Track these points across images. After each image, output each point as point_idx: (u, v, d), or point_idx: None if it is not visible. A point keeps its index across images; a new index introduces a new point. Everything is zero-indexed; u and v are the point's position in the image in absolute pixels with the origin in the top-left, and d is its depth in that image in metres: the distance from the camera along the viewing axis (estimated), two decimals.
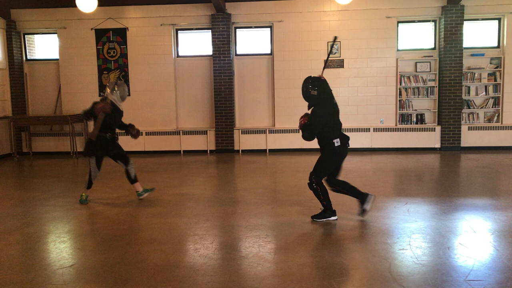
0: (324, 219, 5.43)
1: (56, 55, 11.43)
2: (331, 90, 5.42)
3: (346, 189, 5.50)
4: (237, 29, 11.12)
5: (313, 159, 9.89)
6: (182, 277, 3.89)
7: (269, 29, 11.04)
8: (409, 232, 4.95)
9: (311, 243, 4.72)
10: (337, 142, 5.27)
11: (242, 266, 4.09)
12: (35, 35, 11.72)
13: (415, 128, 10.84)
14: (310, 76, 5.34)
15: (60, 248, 4.76)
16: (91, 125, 7.21)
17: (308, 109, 5.38)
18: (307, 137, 5.27)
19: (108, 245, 4.78)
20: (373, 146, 10.89)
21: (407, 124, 10.90)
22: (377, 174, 8.43)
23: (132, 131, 6.52)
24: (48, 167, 9.94)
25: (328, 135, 5.27)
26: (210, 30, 10.93)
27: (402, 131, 10.86)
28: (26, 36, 11.57)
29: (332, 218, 5.44)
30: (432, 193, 6.91)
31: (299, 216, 5.67)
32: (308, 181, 5.38)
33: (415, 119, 10.90)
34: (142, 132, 6.29)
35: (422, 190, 7.12)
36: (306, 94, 5.28)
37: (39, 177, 9.07)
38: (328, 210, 5.43)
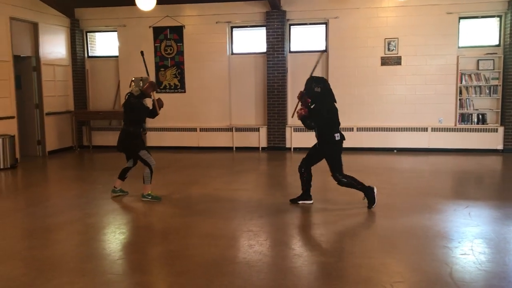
0: (375, 198, 5.77)
1: (115, 52, 11.80)
2: (331, 89, 5.86)
3: (306, 180, 6.01)
4: (291, 26, 11.06)
5: (365, 158, 9.80)
6: (237, 272, 3.91)
7: (324, 25, 10.91)
8: (471, 236, 4.75)
9: (367, 244, 4.62)
10: (337, 136, 5.76)
11: (297, 265, 4.07)
12: (96, 33, 12.17)
13: (476, 129, 10.38)
14: (313, 76, 5.93)
15: (119, 239, 4.92)
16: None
17: (311, 105, 5.82)
18: (309, 125, 5.83)
19: (164, 238, 4.89)
20: (431, 147, 10.52)
21: (467, 124, 10.45)
22: (434, 175, 8.15)
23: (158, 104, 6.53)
24: (107, 160, 10.31)
25: (331, 128, 5.74)
26: (265, 27, 10.93)
27: (462, 131, 10.43)
28: (88, 34, 12.03)
29: (375, 191, 5.81)
30: (494, 196, 6.60)
31: (353, 217, 5.57)
32: (336, 181, 5.81)
33: (476, 119, 10.43)
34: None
35: (484, 193, 6.81)
36: (310, 91, 5.74)
37: (99, 169, 9.44)
38: (368, 191, 5.79)
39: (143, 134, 6.56)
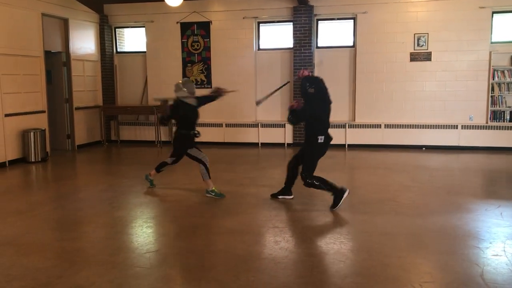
0: (341, 202, 5.61)
1: (143, 48, 11.92)
2: (327, 89, 5.70)
3: (289, 178, 6.04)
4: (319, 21, 10.95)
5: (393, 155, 9.65)
6: (263, 268, 3.90)
7: (352, 20, 10.77)
8: (503, 237, 4.62)
9: (395, 243, 4.54)
10: (321, 139, 5.60)
11: (323, 262, 4.04)
12: (124, 29, 12.31)
13: (508, 126, 10.09)
14: (309, 76, 5.76)
15: (147, 233, 4.97)
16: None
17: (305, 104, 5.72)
18: (291, 120, 5.78)
19: (191, 233, 4.92)
20: (461, 144, 10.29)
21: (499, 121, 10.17)
22: (465, 174, 7.97)
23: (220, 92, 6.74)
24: (134, 155, 10.44)
25: (315, 130, 5.63)
26: (292, 23, 10.85)
27: (494, 129, 10.16)
28: (116, 29, 12.18)
29: (346, 194, 5.65)
30: None
31: (381, 214, 5.49)
32: (303, 182, 5.70)
33: (508, 117, 10.14)
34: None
35: None
36: (303, 91, 5.66)
37: (126, 164, 9.56)
38: (337, 192, 5.63)
39: (196, 137, 6.50)
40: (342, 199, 5.64)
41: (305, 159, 5.75)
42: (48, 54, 10.17)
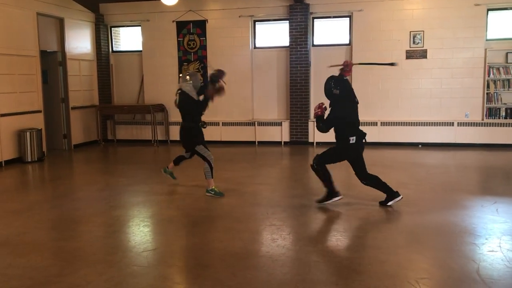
0: (329, 201, 5.69)
1: (139, 47, 11.90)
2: (353, 89, 5.70)
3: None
4: (315, 19, 10.96)
5: (392, 153, 9.67)
6: (260, 266, 3.91)
7: (348, 18, 10.78)
8: (498, 233, 4.64)
9: (392, 240, 4.56)
10: (352, 139, 5.53)
11: (320, 259, 4.05)
12: (120, 28, 12.29)
13: (504, 123, 10.13)
14: (333, 76, 5.62)
15: (144, 232, 4.98)
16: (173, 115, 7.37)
17: (329, 106, 5.64)
18: (322, 128, 5.64)
19: (189, 231, 4.93)
20: (457, 141, 10.32)
21: (495, 118, 10.20)
22: (461, 170, 8.00)
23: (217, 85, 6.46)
24: (131, 154, 10.43)
25: (345, 131, 5.55)
26: (288, 21, 10.86)
27: (489, 126, 10.20)
28: (112, 29, 12.16)
29: (336, 198, 5.71)
30: None
31: (378, 212, 5.51)
32: (311, 164, 5.72)
33: (504, 114, 10.17)
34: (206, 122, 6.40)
35: None
36: (328, 92, 5.58)
37: (123, 163, 9.54)
38: (331, 193, 5.69)
39: (202, 128, 6.51)
40: (332, 200, 5.72)
41: (329, 150, 5.70)
42: (43, 54, 10.14)
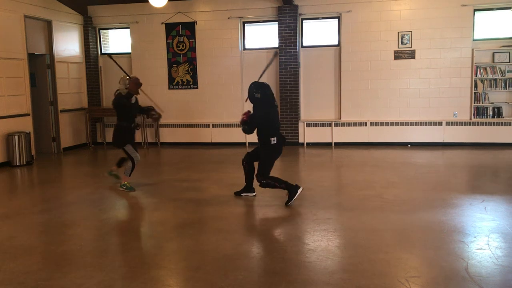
0: (295, 197, 5.79)
1: (128, 49, 11.86)
2: (273, 94, 6.10)
3: (248, 173, 6.20)
4: (304, 21, 11.00)
5: (381, 153, 9.73)
6: (251, 267, 3.92)
7: (337, 20, 10.83)
8: (487, 231, 4.70)
9: (382, 239, 4.59)
10: (273, 140, 5.87)
11: (311, 259, 4.06)
12: (109, 30, 12.24)
13: (491, 122, 10.25)
14: (254, 82, 6.08)
15: (135, 235, 4.96)
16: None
17: (253, 109, 6.04)
18: (246, 130, 6.01)
19: (179, 233, 4.92)
20: (446, 141, 10.42)
21: (482, 117, 10.32)
22: (450, 169, 8.08)
23: (151, 113, 6.99)
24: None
25: (266, 133, 5.89)
26: (277, 22, 10.89)
27: (477, 125, 10.30)
28: (101, 31, 12.10)
29: (299, 190, 5.84)
30: (510, 190, 6.50)
31: (368, 211, 5.54)
32: (258, 183, 5.89)
33: (491, 113, 10.30)
34: (161, 117, 6.86)
35: (500, 188, 6.73)
36: (251, 97, 5.98)
37: (113, 166, 9.48)
38: (291, 189, 5.81)
39: (135, 129, 6.92)
40: (296, 195, 5.83)
41: (261, 162, 5.97)
42: (31, 57, 10.07)
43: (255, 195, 6.29)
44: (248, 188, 6.32)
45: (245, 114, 6.07)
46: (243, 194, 6.34)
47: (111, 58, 7.58)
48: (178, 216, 5.60)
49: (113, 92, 7.19)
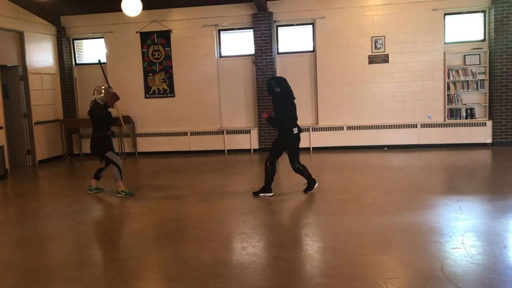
0: (313, 190, 6.58)
1: (103, 59, 11.74)
2: (290, 87, 6.52)
3: (270, 173, 6.58)
4: (278, 27, 11.09)
5: (356, 156, 9.84)
6: (231, 275, 3.91)
7: (311, 26, 10.95)
8: (462, 230, 4.79)
9: (360, 241, 4.64)
10: (295, 130, 6.44)
11: (290, 265, 4.08)
12: (83, 40, 12.12)
13: (465, 123, 10.47)
14: (273, 76, 6.63)
15: (113, 246, 4.90)
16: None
17: (272, 103, 6.66)
18: (276, 125, 6.46)
19: (159, 244, 4.88)
20: (421, 143, 10.59)
21: (456, 119, 10.54)
22: (426, 171, 8.21)
23: (118, 122, 7.33)
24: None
25: (289, 125, 6.42)
26: (252, 30, 10.94)
27: (451, 126, 10.51)
28: (75, 41, 11.97)
29: (316, 185, 6.64)
30: (485, 190, 6.65)
31: (347, 214, 5.59)
32: (293, 168, 6.56)
33: (464, 114, 10.52)
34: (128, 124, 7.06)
35: (474, 187, 6.87)
36: (270, 90, 6.44)
37: (90, 177, 9.32)
38: (311, 181, 6.61)
39: (112, 137, 7.11)
40: (315, 186, 6.60)
41: (291, 151, 6.52)
42: (3, 68, 9.91)
43: (272, 195, 6.58)
44: (267, 188, 6.60)
45: (266, 112, 6.54)
46: (261, 195, 6.59)
47: (101, 66, 7.74)
48: (157, 226, 5.56)
49: (89, 103, 7.15)
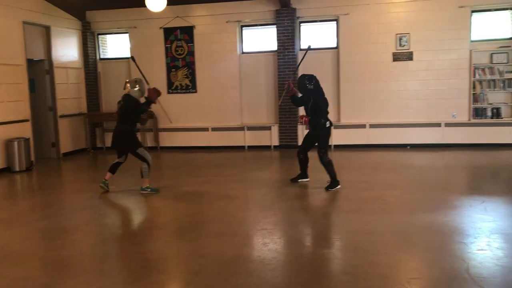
0: (334, 189, 6.62)
1: (127, 54, 11.86)
2: (320, 85, 6.84)
3: (303, 161, 7.14)
4: (301, 24, 11.02)
5: (379, 155, 9.74)
6: (252, 270, 3.92)
7: (335, 22, 10.85)
8: (487, 232, 4.69)
9: (383, 240, 4.59)
10: (328, 124, 6.76)
11: (312, 262, 4.06)
12: (107, 35, 12.25)
13: (490, 123, 10.25)
14: (304, 74, 6.81)
15: (135, 239, 4.95)
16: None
17: (301, 101, 6.98)
18: (318, 123, 6.71)
19: (180, 237, 4.92)
20: (445, 142, 10.42)
21: (481, 118, 10.32)
22: (449, 171, 8.08)
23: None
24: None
25: (321, 118, 6.72)
26: (275, 26, 10.90)
27: (476, 126, 10.30)
28: (99, 36, 12.11)
29: (339, 186, 6.70)
30: (510, 191, 6.50)
31: (369, 213, 5.54)
32: (320, 157, 6.65)
33: (490, 114, 10.30)
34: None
35: (500, 188, 6.73)
36: (303, 88, 6.75)
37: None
38: (335, 181, 6.67)
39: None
40: (337, 187, 6.65)
41: (322, 143, 6.78)
42: (30, 62, 10.08)
43: (308, 180, 7.14)
44: (303, 175, 7.18)
45: (303, 117, 6.88)
46: (299, 180, 7.17)
47: (134, 61, 7.68)
48: (179, 220, 5.59)
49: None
